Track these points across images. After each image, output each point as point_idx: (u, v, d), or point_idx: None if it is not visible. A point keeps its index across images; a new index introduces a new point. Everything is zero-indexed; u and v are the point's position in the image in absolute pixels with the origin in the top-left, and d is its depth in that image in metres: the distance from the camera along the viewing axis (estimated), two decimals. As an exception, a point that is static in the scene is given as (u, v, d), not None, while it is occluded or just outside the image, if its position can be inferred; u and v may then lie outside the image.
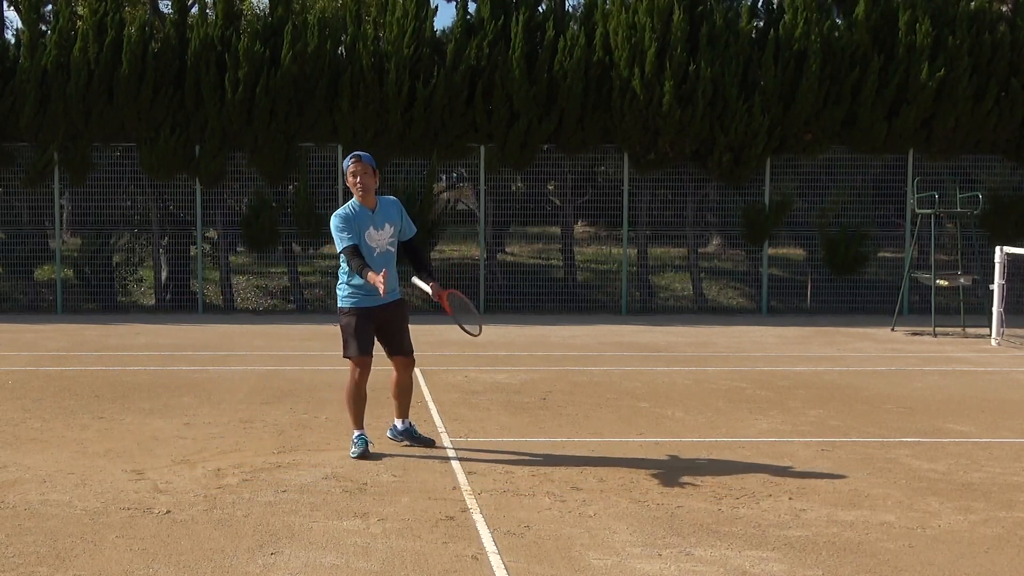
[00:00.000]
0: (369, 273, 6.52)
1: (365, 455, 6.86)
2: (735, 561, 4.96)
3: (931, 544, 5.26)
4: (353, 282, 6.85)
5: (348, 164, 6.85)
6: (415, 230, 7.17)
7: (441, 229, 19.18)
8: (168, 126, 17.60)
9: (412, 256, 7.21)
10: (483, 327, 7.13)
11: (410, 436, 7.29)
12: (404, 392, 7.23)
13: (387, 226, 6.90)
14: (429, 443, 7.26)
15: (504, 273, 19.70)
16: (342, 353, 7.00)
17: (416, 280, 7.08)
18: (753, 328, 16.07)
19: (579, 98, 17.60)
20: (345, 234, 6.72)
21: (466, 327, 7.00)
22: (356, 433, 6.97)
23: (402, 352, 7.09)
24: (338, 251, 6.77)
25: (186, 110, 17.70)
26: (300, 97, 17.62)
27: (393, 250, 6.98)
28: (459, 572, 4.79)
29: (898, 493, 6.20)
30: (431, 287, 6.92)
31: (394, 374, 7.19)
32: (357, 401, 7.00)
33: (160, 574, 4.72)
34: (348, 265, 6.78)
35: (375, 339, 6.96)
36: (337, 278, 7.05)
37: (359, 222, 6.79)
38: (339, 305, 7.00)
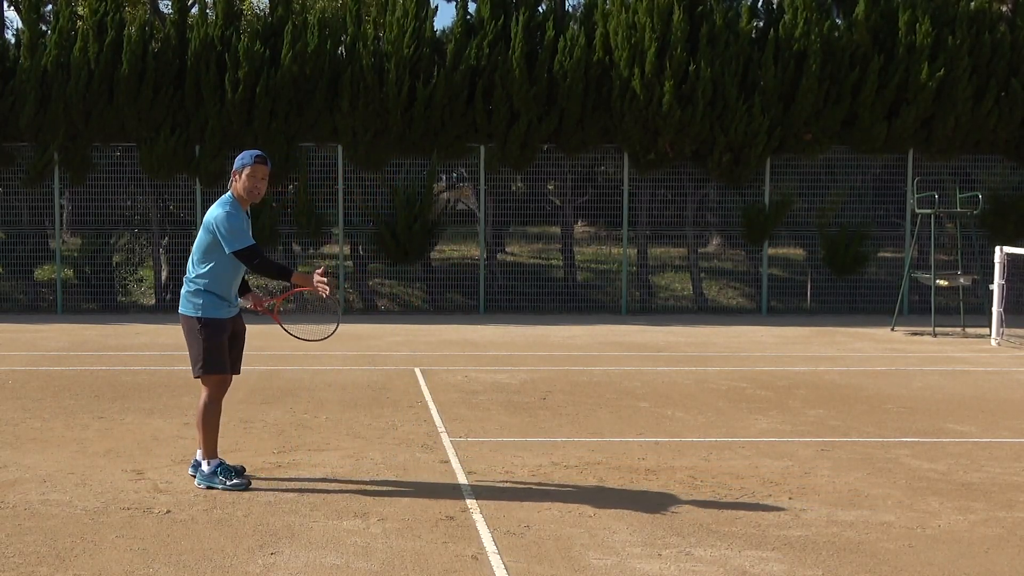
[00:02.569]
0: (297, 275, 6.02)
1: (248, 484, 6.14)
2: (735, 561, 4.96)
3: (931, 544, 5.26)
4: (211, 289, 6.12)
5: (252, 162, 6.10)
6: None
7: (441, 229, 19.18)
8: (168, 126, 17.60)
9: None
10: (339, 324, 6.63)
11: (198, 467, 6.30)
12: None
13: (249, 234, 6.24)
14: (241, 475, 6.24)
15: (504, 273, 19.70)
16: (197, 371, 6.15)
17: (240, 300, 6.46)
18: (753, 328, 16.07)
19: (579, 98, 17.60)
20: (245, 234, 6.03)
21: (297, 333, 6.53)
22: (217, 462, 6.16)
23: (235, 368, 6.42)
24: (236, 251, 6.01)
25: (186, 110, 17.70)
26: (300, 97, 17.62)
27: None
28: (459, 572, 4.79)
29: (898, 493, 6.20)
30: (248, 297, 6.44)
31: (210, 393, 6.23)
32: (216, 423, 6.21)
33: (160, 574, 4.72)
34: (262, 270, 6.15)
35: None
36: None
37: (246, 224, 6.14)
38: (193, 314, 6.13)
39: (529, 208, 20.23)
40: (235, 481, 6.10)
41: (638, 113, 17.52)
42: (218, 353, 6.15)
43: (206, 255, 6.14)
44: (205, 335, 6.12)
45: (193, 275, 6.19)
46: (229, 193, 6.20)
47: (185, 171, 17.96)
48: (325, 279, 6.03)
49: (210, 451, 6.20)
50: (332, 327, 6.56)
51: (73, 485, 6.19)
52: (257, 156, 6.17)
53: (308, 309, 6.57)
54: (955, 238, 17.15)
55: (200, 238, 6.18)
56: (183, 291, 6.25)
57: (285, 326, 6.57)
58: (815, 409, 8.97)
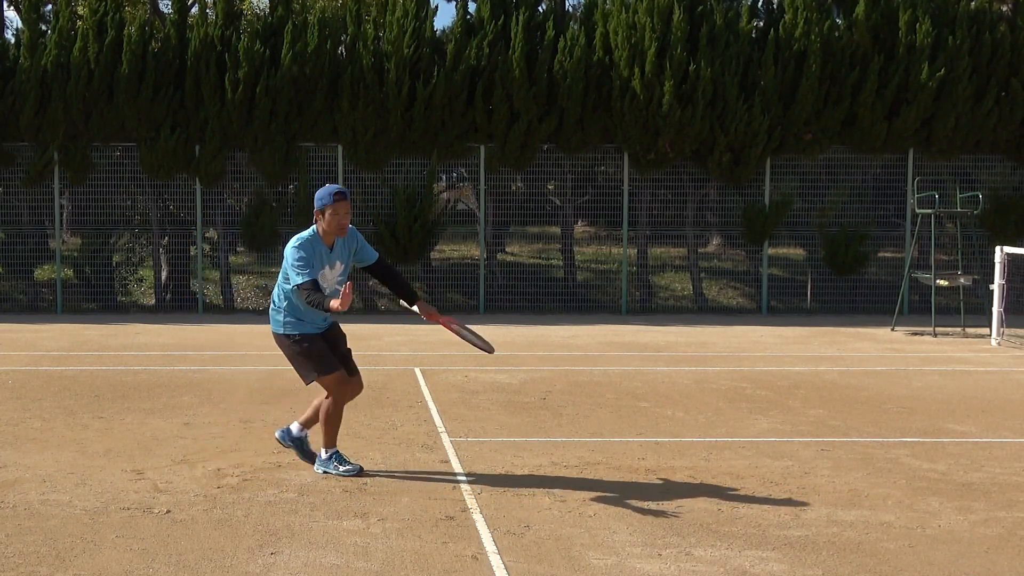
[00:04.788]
0: (331, 301, 6.05)
1: (360, 470, 6.48)
2: (735, 561, 4.96)
3: (931, 544, 5.26)
4: (291, 311, 6.40)
5: (331, 199, 6.25)
6: (376, 254, 6.63)
7: (441, 229, 19.17)
8: (168, 126, 17.59)
9: (387, 280, 6.69)
10: (491, 346, 6.67)
11: (297, 443, 6.69)
12: (333, 413, 6.54)
13: (338, 264, 6.44)
14: (310, 461, 6.64)
15: (504, 273, 19.70)
16: (310, 378, 6.39)
17: (402, 303, 6.66)
18: (753, 328, 16.07)
19: (579, 98, 17.60)
20: (305, 270, 6.16)
21: (475, 342, 6.60)
22: (335, 450, 6.53)
23: (350, 371, 6.55)
24: (293, 284, 6.19)
25: (186, 110, 17.69)
26: (300, 97, 17.62)
27: (340, 287, 6.46)
28: (459, 572, 4.79)
29: (898, 493, 6.20)
30: (418, 306, 6.51)
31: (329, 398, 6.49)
32: (338, 421, 6.53)
33: (160, 574, 4.72)
34: (299, 300, 6.27)
35: None
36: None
37: (319, 261, 6.29)
38: (282, 332, 6.44)
39: (529, 208, 20.23)
40: (348, 467, 6.46)
41: (638, 113, 17.51)
42: (321, 354, 6.36)
43: (285, 281, 6.41)
44: (301, 346, 6.39)
45: (276, 296, 6.52)
46: (312, 227, 6.36)
47: (185, 171, 17.96)
48: (347, 295, 6.01)
49: (330, 442, 6.52)
50: (489, 348, 6.66)
51: (73, 485, 6.19)
52: (335, 194, 6.30)
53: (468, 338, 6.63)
54: (955, 238, 17.15)
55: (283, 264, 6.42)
56: (270, 310, 6.62)
57: (462, 330, 6.56)
58: (815, 409, 8.97)
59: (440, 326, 6.57)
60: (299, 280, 6.17)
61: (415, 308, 6.57)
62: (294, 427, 6.70)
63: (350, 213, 6.37)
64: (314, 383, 6.43)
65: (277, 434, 6.77)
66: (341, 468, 6.45)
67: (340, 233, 6.35)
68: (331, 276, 6.42)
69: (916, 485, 6.40)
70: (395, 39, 17.52)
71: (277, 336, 6.52)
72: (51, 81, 17.35)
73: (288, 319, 6.42)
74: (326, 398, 6.48)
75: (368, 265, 6.64)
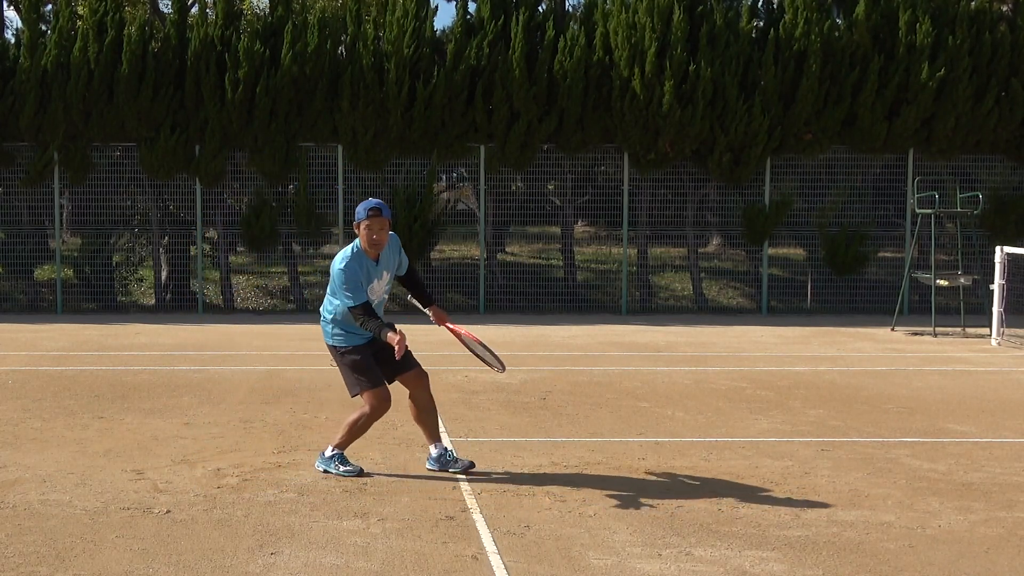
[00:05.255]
0: (389, 334, 6.08)
1: (360, 471, 6.48)
2: (735, 561, 4.96)
3: (931, 544, 5.26)
4: (340, 323, 6.41)
5: (365, 214, 6.25)
6: (407, 262, 6.71)
7: (441, 229, 19.17)
8: (168, 126, 17.59)
9: (412, 286, 6.77)
10: (499, 358, 6.64)
11: (445, 462, 6.60)
12: (427, 412, 6.57)
13: (385, 274, 6.47)
14: (469, 465, 6.60)
15: (504, 273, 19.70)
16: (354, 391, 6.42)
17: (412, 300, 6.76)
18: (753, 328, 16.07)
19: (579, 98, 17.60)
20: (358, 291, 6.20)
21: (484, 357, 6.59)
22: (340, 452, 6.53)
23: (409, 366, 6.46)
24: (348, 307, 6.23)
25: (186, 110, 17.70)
26: (300, 97, 17.62)
27: (387, 296, 6.62)
28: (459, 572, 4.79)
29: (898, 493, 6.20)
30: (431, 311, 6.59)
31: (410, 397, 6.59)
32: (360, 433, 6.55)
33: (160, 574, 4.72)
34: (356, 322, 6.26)
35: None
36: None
37: (366, 275, 6.31)
38: (331, 343, 6.49)
39: (529, 208, 20.23)
40: (348, 467, 6.47)
41: (638, 113, 17.51)
42: (364, 369, 6.37)
43: (333, 295, 6.45)
44: (349, 360, 6.41)
45: (324, 309, 6.55)
46: (356, 241, 6.40)
47: (185, 171, 17.96)
48: (398, 342, 6.04)
49: (341, 445, 6.52)
50: (500, 367, 6.64)
51: (73, 485, 6.19)
52: (371, 209, 6.27)
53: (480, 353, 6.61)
54: (955, 238, 17.15)
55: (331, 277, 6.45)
56: (321, 320, 6.63)
57: (474, 344, 6.54)
58: (815, 409, 8.97)
59: (447, 330, 6.57)
60: (350, 304, 6.23)
61: (428, 311, 6.58)
62: (432, 450, 6.62)
63: (386, 229, 6.31)
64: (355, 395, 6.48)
65: (429, 465, 6.62)
66: (342, 468, 6.46)
67: (378, 249, 6.33)
68: (379, 288, 6.45)
69: (916, 485, 6.40)
70: (395, 39, 17.52)
71: (328, 346, 6.56)
72: (51, 81, 17.35)
73: (337, 331, 6.45)
74: (362, 409, 6.43)
75: (401, 275, 6.69)
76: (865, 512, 5.79)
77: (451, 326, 6.56)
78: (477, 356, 6.68)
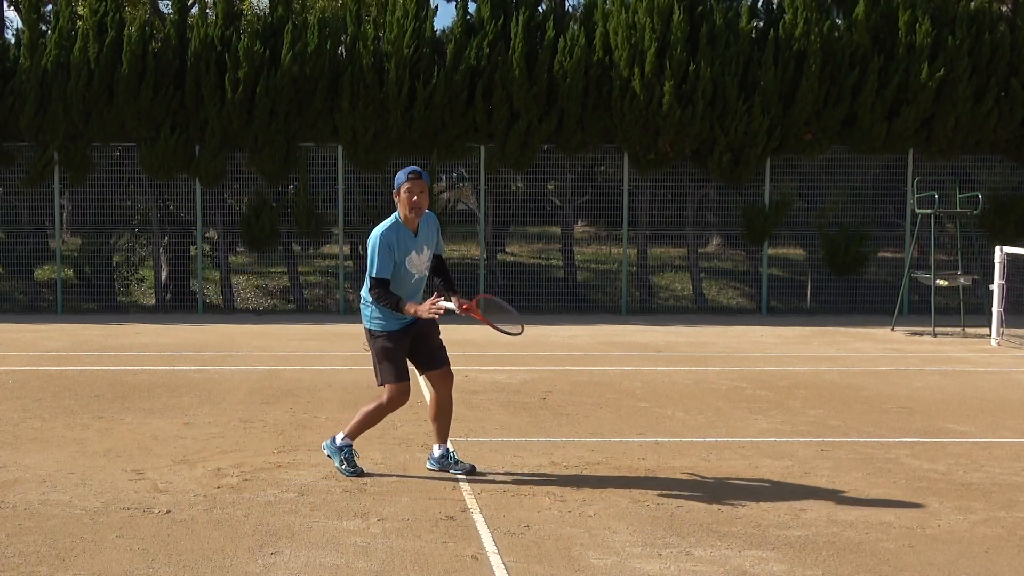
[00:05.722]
0: (408, 305, 6.07)
1: (360, 472, 6.43)
2: (735, 561, 4.96)
3: (931, 544, 5.26)
4: (381, 309, 6.29)
5: (405, 177, 6.23)
6: (443, 247, 6.65)
7: (441, 229, 19.14)
8: (168, 126, 17.59)
9: (439, 272, 6.64)
10: (522, 327, 6.47)
11: (446, 464, 6.57)
12: (444, 412, 6.51)
13: (426, 249, 6.37)
14: (470, 469, 6.55)
15: (504, 273, 19.70)
16: (378, 380, 6.40)
17: (438, 285, 6.62)
18: (753, 328, 16.06)
19: (579, 98, 17.60)
20: (387, 261, 6.14)
21: (503, 328, 6.39)
22: (350, 444, 6.49)
23: (437, 364, 6.45)
24: (370, 274, 6.17)
25: (186, 110, 17.70)
26: (300, 97, 17.62)
27: (428, 273, 6.50)
28: (459, 572, 4.79)
29: (898, 493, 6.20)
30: (454, 301, 6.33)
31: (432, 393, 6.55)
32: (373, 424, 6.52)
33: (160, 574, 4.72)
34: (378, 300, 6.18)
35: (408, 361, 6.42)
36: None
37: (403, 246, 6.23)
38: (367, 326, 6.39)
39: (529, 208, 20.23)
40: (352, 469, 6.42)
41: (638, 113, 17.51)
42: (389, 363, 6.28)
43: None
44: (377, 347, 6.33)
45: (364, 290, 6.38)
46: (394, 214, 6.35)
47: (185, 171, 17.96)
48: (436, 305, 6.02)
49: (352, 433, 6.49)
50: (519, 327, 6.46)
51: (73, 485, 6.19)
52: (411, 172, 6.27)
53: (493, 309, 6.42)
54: (955, 238, 17.14)
55: None
56: (360, 304, 6.52)
57: (492, 322, 6.40)
58: (815, 409, 8.97)
59: (474, 317, 6.40)
60: (373, 273, 6.16)
61: (452, 301, 6.34)
62: (435, 450, 6.59)
63: (426, 193, 6.30)
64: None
65: (429, 465, 6.62)
66: (346, 466, 6.42)
67: (417, 213, 6.26)
68: (419, 262, 6.36)
69: (916, 485, 6.40)
70: (395, 39, 17.52)
71: (365, 330, 6.44)
72: (51, 81, 17.35)
73: (376, 315, 6.32)
74: (379, 399, 6.38)
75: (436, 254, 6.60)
76: (865, 512, 5.79)
77: (471, 309, 6.33)
78: (500, 329, 6.44)
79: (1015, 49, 17.90)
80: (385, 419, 8.26)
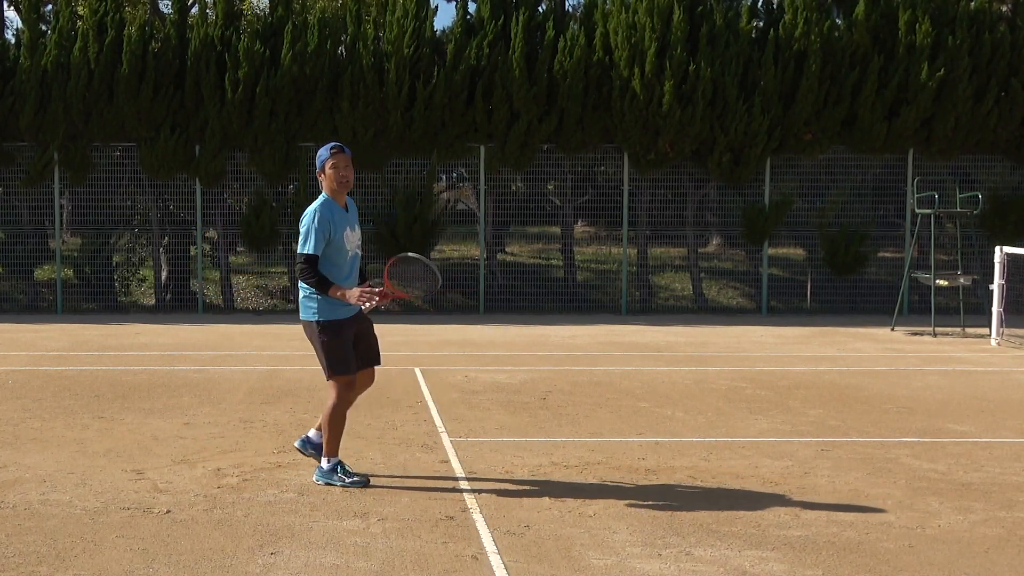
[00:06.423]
0: (334, 288, 5.96)
1: (367, 481, 6.24)
2: (735, 561, 4.96)
3: (931, 544, 5.26)
4: (328, 298, 6.12)
5: (327, 154, 6.18)
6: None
7: (441, 229, 19.17)
8: (168, 126, 17.59)
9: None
10: (439, 286, 6.39)
11: (313, 446, 6.46)
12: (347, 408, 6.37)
13: (357, 228, 6.34)
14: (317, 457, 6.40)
15: (504, 273, 19.70)
16: (327, 375, 6.23)
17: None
18: (753, 328, 16.07)
19: (579, 98, 17.60)
20: (322, 238, 6.03)
21: (422, 291, 6.35)
22: (337, 460, 6.24)
23: (372, 361, 6.43)
24: (302, 250, 6.04)
25: (186, 110, 17.70)
26: (300, 97, 17.62)
27: (360, 253, 6.41)
28: (459, 572, 4.79)
29: (898, 493, 6.20)
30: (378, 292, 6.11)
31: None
32: (342, 425, 6.26)
33: (160, 574, 4.72)
34: (303, 276, 6.03)
35: None
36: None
37: (337, 222, 6.12)
38: (311, 319, 6.17)
39: (529, 208, 20.23)
40: (354, 478, 6.19)
41: (638, 113, 17.51)
42: (341, 354, 6.16)
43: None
44: (325, 338, 6.15)
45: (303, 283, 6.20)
46: (323, 194, 6.25)
47: (185, 171, 17.96)
48: (372, 292, 5.95)
49: (332, 450, 6.24)
50: (437, 278, 6.39)
51: (73, 485, 6.19)
52: (332, 147, 6.22)
53: (407, 275, 6.24)
54: (955, 238, 17.14)
55: None
56: (300, 297, 6.27)
57: (411, 292, 6.37)
58: (815, 409, 8.97)
59: (399, 296, 6.32)
60: (307, 249, 6.02)
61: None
62: (312, 433, 6.49)
63: (351, 168, 6.23)
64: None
65: (297, 444, 6.55)
66: (348, 480, 6.17)
67: (345, 187, 6.19)
68: (354, 238, 6.29)
69: (916, 485, 6.40)
70: (395, 39, 17.52)
71: (307, 325, 6.24)
72: (51, 81, 17.35)
73: (321, 306, 6.14)
74: (331, 399, 6.24)
75: None
76: (865, 512, 5.79)
77: (390, 295, 6.19)
78: (419, 297, 6.38)
79: (1015, 49, 17.90)
80: (385, 420, 8.29)
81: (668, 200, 19.22)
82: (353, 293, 5.96)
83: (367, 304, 5.97)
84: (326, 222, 6.08)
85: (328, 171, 6.20)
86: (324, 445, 6.28)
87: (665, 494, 6.13)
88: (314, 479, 6.28)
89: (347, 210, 6.27)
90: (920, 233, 17.17)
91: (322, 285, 6.00)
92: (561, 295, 19.12)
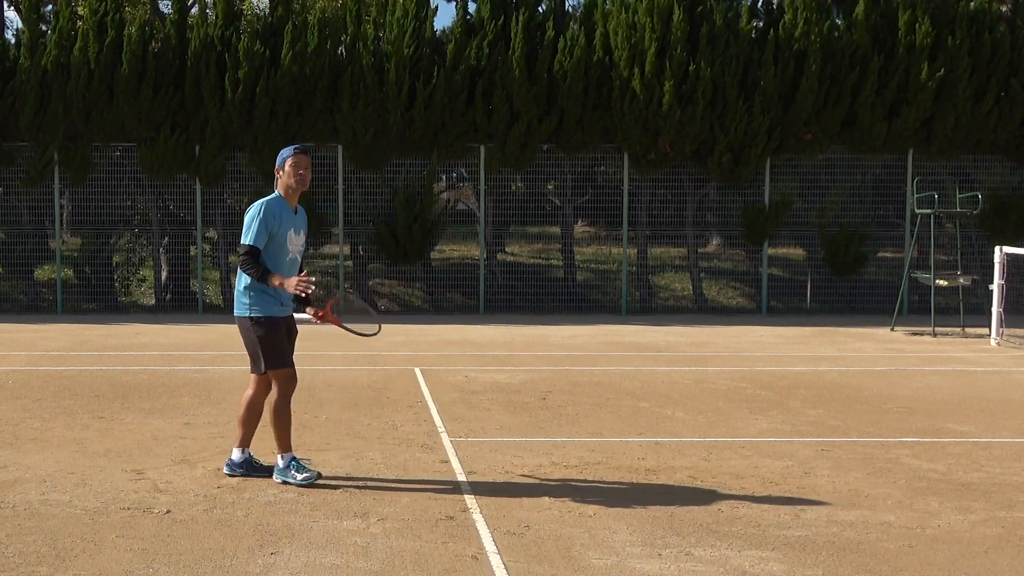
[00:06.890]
0: (274, 277, 5.97)
1: (319, 478, 6.22)
2: (735, 561, 4.96)
3: (931, 544, 5.26)
4: (258, 286, 6.14)
5: (290, 155, 6.18)
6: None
7: (441, 229, 19.18)
8: (168, 126, 17.60)
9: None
10: (382, 326, 6.54)
11: (250, 467, 6.44)
12: (259, 414, 6.42)
13: (302, 233, 6.35)
14: (268, 472, 6.36)
15: (504, 273, 19.70)
16: (263, 367, 6.20)
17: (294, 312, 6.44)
18: (753, 328, 16.06)
19: (579, 98, 17.60)
20: (264, 232, 6.06)
21: (358, 330, 6.44)
22: (291, 456, 6.26)
23: (290, 361, 6.37)
24: (244, 240, 6.08)
25: (186, 110, 17.70)
26: (300, 97, 17.62)
27: (300, 259, 6.43)
28: (459, 572, 4.79)
29: (898, 493, 6.20)
30: (309, 311, 6.33)
31: (255, 392, 6.39)
32: (288, 418, 6.27)
33: (160, 574, 4.72)
34: (245, 266, 6.07)
35: None
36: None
37: (283, 220, 6.16)
38: (245, 314, 6.19)
39: (529, 208, 20.23)
40: (306, 475, 6.19)
41: (638, 113, 17.52)
42: (278, 348, 6.19)
43: None
44: (260, 332, 6.17)
45: (240, 278, 6.24)
46: (275, 192, 6.28)
47: (185, 171, 17.97)
48: (308, 281, 6.00)
49: (284, 446, 6.27)
50: (376, 326, 6.51)
51: (73, 485, 6.19)
52: (297, 148, 6.28)
53: (352, 309, 6.36)
54: (955, 238, 17.15)
55: None
56: (236, 292, 6.29)
57: (346, 325, 6.42)
58: (815, 409, 8.97)
59: (330, 322, 6.36)
60: (248, 240, 6.07)
61: (308, 313, 6.37)
62: (235, 454, 6.44)
63: (310, 170, 6.26)
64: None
65: (225, 470, 6.43)
66: (299, 477, 6.16)
67: (301, 186, 6.21)
68: (297, 241, 6.31)
69: (916, 485, 6.40)
70: (395, 39, 17.53)
71: (240, 320, 6.24)
72: (51, 81, 17.35)
73: (256, 302, 6.15)
74: (272, 395, 6.23)
75: None
76: (865, 512, 5.79)
77: (326, 316, 6.29)
78: (353, 331, 6.43)
79: (1015, 49, 17.90)
80: (385, 420, 8.29)
81: (668, 200, 19.22)
82: (291, 282, 6.02)
83: (306, 292, 6.05)
84: (272, 215, 6.12)
85: (288, 167, 6.20)
86: (277, 444, 6.26)
87: (665, 494, 6.13)
88: (275, 478, 6.26)
89: (295, 213, 6.31)
90: (920, 233, 17.17)
91: (264, 275, 6.04)
92: (561, 295, 19.12)
